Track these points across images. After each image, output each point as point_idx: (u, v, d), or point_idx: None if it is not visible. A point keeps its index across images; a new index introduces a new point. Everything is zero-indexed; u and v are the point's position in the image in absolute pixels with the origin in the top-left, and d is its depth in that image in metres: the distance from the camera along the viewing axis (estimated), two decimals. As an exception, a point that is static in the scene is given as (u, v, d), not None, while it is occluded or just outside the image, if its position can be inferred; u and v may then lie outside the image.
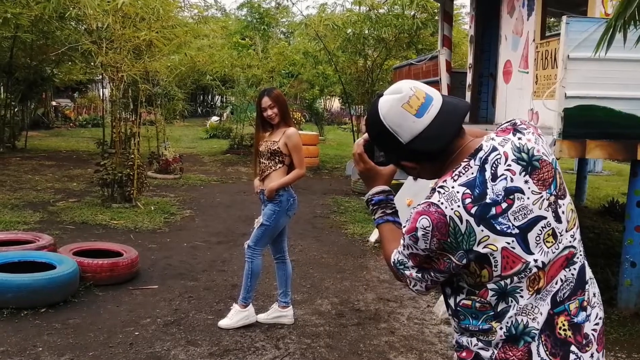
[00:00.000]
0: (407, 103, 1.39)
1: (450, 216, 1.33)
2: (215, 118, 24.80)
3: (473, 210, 1.32)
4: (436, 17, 10.75)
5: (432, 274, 1.41)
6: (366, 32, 12.39)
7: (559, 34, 4.80)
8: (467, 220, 1.32)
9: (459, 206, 1.33)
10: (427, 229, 1.34)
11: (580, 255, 1.44)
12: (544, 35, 5.74)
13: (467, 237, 1.32)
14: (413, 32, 11.92)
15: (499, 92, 6.96)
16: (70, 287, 4.49)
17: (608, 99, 4.43)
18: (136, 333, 3.98)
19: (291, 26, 21.33)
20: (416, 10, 11.84)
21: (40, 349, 3.66)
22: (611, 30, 2.78)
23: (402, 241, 1.43)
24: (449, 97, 1.45)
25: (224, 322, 4.14)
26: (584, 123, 4.40)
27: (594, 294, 1.46)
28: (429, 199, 1.37)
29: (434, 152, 1.41)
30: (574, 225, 1.43)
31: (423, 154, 1.42)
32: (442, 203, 1.34)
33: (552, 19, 9.10)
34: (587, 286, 1.44)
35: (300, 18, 17.03)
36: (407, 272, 1.45)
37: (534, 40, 5.88)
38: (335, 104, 33.66)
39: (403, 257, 1.44)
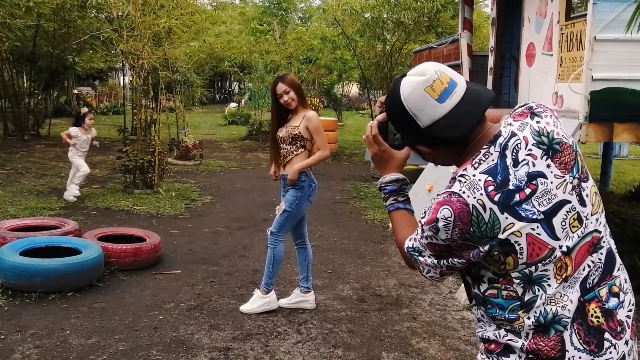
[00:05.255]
0: (430, 87, 1.35)
1: (473, 205, 1.29)
2: (233, 104, 24.87)
3: (496, 198, 1.29)
4: (456, 0, 10.57)
5: (449, 260, 1.37)
6: (385, 16, 12.26)
7: (585, 15, 4.69)
8: (490, 208, 1.29)
9: (481, 194, 1.30)
10: (448, 219, 1.31)
11: (607, 239, 1.41)
12: (569, 16, 5.61)
13: (491, 225, 1.29)
14: (433, 15, 11.76)
15: (521, 76, 6.84)
16: (96, 272, 4.57)
17: (637, 81, 4.33)
18: (160, 317, 4.04)
19: (309, 11, 21.20)
20: (436, -7, 11.67)
21: (68, 331, 3.74)
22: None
23: (419, 231, 1.40)
24: (474, 84, 1.41)
25: (245, 307, 4.18)
26: (611, 106, 4.31)
27: (625, 280, 1.43)
28: (450, 188, 1.34)
29: (452, 140, 1.38)
30: (599, 208, 1.40)
31: (440, 140, 1.39)
32: (463, 192, 1.31)
33: (576, 0, 8.90)
34: (617, 272, 1.41)
35: (318, 3, 16.92)
36: (421, 259, 1.42)
37: (558, 21, 5.75)
38: (354, 89, 33.51)
39: (419, 246, 1.41)
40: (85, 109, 8.19)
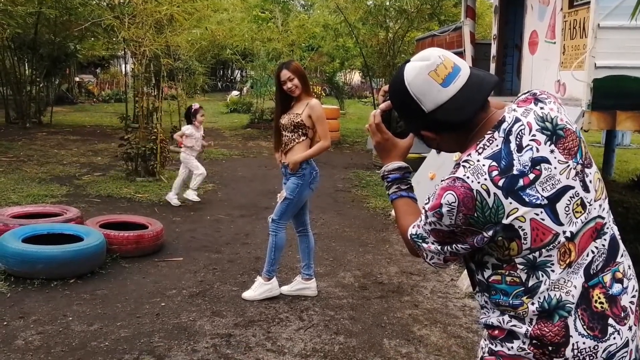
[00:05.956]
0: (434, 71, 1.35)
1: (477, 190, 1.29)
2: (235, 92, 24.78)
3: (501, 183, 1.29)
4: (460, -13, 10.48)
5: (453, 247, 1.37)
6: (387, 3, 12.21)
7: (588, 2, 4.65)
8: (494, 193, 1.29)
9: (485, 179, 1.30)
10: (452, 204, 1.30)
11: (610, 225, 1.41)
12: (572, 4, 5.56)
13: (495, 210, 1.29)
14: (435, 3, 11.70)
15: (524, 63, 6.80)
16: (98, 259, 4.59)
17: (640, 69, 4.31)
18: (162, 304, 4.06)
19: (311, -2, 21.05)
20: (439, -20, 11.61)
21: (70, 318, 3.76)
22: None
23: (422, 217, 1.40)
24: (477, 69, 1.41)
25: (247, 294, 4.19)
26: (614, 94, 4.29)
27: (629, 266, 1.43)
28: (454, 173, 1.34)
29: (456, 124, 1.38)
30: (602, 194, 1.40)
31: (445, 125, 1.39)
32: (467, 177, 1.31)
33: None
34: (621, 258, 1.41)
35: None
36: (424, 245, 1.42)
37: (561, 9, 5.70)
38: (356, 77, 33.37)
39: (422, 232, 1.41)
40: (196, 105, 7.15)
